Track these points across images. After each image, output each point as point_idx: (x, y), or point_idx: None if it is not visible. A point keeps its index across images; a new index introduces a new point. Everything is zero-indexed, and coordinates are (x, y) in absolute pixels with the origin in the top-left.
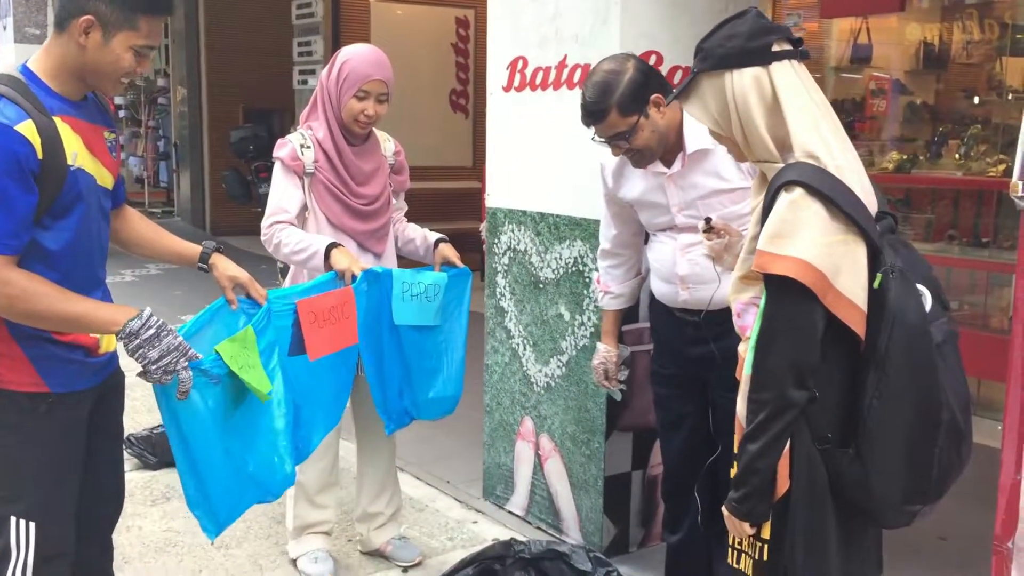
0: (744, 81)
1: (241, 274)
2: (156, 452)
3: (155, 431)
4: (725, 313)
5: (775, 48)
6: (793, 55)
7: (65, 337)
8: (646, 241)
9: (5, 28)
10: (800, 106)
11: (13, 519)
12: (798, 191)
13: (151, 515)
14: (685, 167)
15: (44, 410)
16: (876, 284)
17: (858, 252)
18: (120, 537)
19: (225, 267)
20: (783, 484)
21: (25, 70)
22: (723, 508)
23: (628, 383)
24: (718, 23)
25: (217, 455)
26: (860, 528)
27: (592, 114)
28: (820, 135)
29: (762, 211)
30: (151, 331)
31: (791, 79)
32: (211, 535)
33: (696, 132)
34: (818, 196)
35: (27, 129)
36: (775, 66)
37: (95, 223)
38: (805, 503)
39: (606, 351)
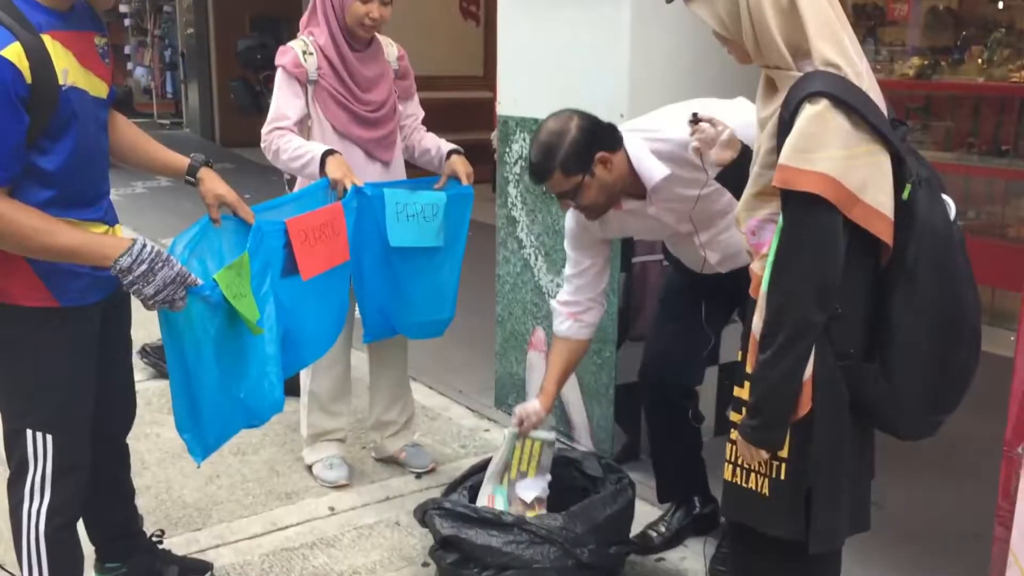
0: None
1: (228, 193)
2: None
3: None
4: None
5: None
6: None
7: None
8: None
9: None
10: (817, 10)
11: (29, 431)
12: (823, 103)
13: (168, 422)
14: (656, 195)
15: (56, 324)
16: (905, 195)
17: (883, 162)
18: (138, 444)
19: (213, 184)
20: (805, 405)
21: None
22: (735, 433)
23: (640, 293)
24: None
25: (212, 379)
26: (869, 440)
27: (536, 174)
28: (839, 40)
29: (779, 122)
30: (143, 266)
31: None
32: (198, 459)
33: (648, 167)
34: (843, 107)
35: (14, 53)
36: None
37: (92, 137)
38: (828, 422)
39: (531, 408)
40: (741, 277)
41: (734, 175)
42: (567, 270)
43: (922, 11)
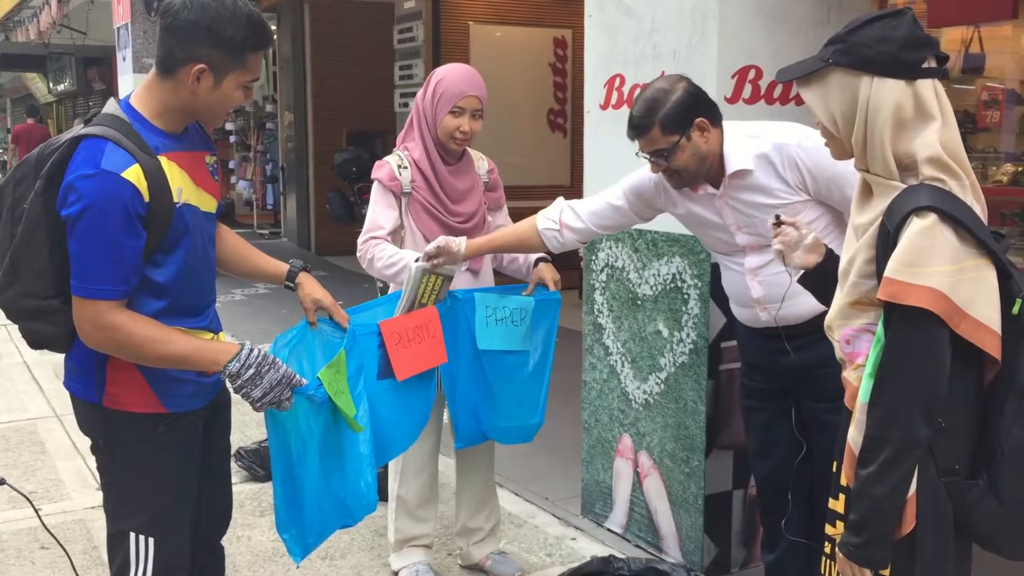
0: (883, 92)
1: (325, 297)
2: (264, 465)
3: (263, 444)
4: (807, 327)
5: (925, 64)
6: (938, 73)
7: None
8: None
9: (125, 59)
10: (935, 130)
11: (132, 534)
12: (932, 217)
13: (260, 525)
14: (730, 188)
15: (163, 430)
16: (1015, 310)
17: (989, 276)
18: (230, 547)
19: (311, 288)
20: (909, 523)
21: (128, 108)
22: (837, 551)
23: (728, 401)
24: (868, 16)
25: (315, 477)
26: (969, 558)
27: (636, 128)
28: (951, 154)
29: (880, 233)
30: (251, 370)
31: (933, 99)
32: (297, 559)
33: (736, 153)
34: (950, 222)
35: (133, 174)
36: (920, 83)
37: (201, 250)
38: (932, 540)
39: (450, 242)
40: (814, 375)
41: (818, 278)
42: (602, 193)
43: (1015, 116)
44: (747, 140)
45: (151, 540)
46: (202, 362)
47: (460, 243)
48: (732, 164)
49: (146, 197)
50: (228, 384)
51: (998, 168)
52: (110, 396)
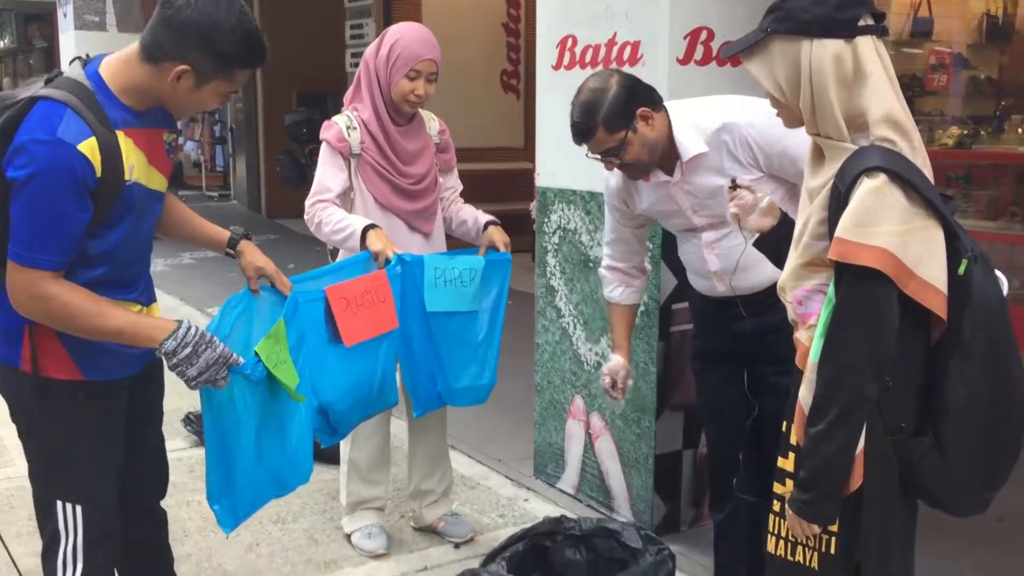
0: (824, 53)
1: (267, 264)
2: None
3: None
4: (762, 294)
5: (861, 22)
6: (876, 31)
7: None
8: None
9: (66, 16)
10: (880, 85)
11: (59, 503)
12: (881, 177)
13: None
14: (685, 173)
15: (82, 397)
16: (961, 271)
17: (938, 237)
18: (180, 512)
19: (252, 256)
20: (856, 480)
21: (95, 78)
22: (786, 508)
23: (679, 362)
24: None
25: (250, 450)
26: (915, 515)
27: (581, 133)
28: (897, 116)
29: (832, 194)
30: (188, 349)
31: (872, 55)
32: (227, 529)
33: (687, 138)
34: (899, 182)
35: (89, 148)
36: (859, 40)
37: (143, 229)
38: (879, 496)
39: (617, 363)
40: (767, 339)
41: (773, 242)
42: (606, 236)
43: (962, 80)
44: (696, 122)
45: (79, 508)
46: (137, 337)
47: (619, 361)
48: (687, 151)
49: (98, 172)
50: (165, 361)
51: (944, 131)
52: (26, 361)
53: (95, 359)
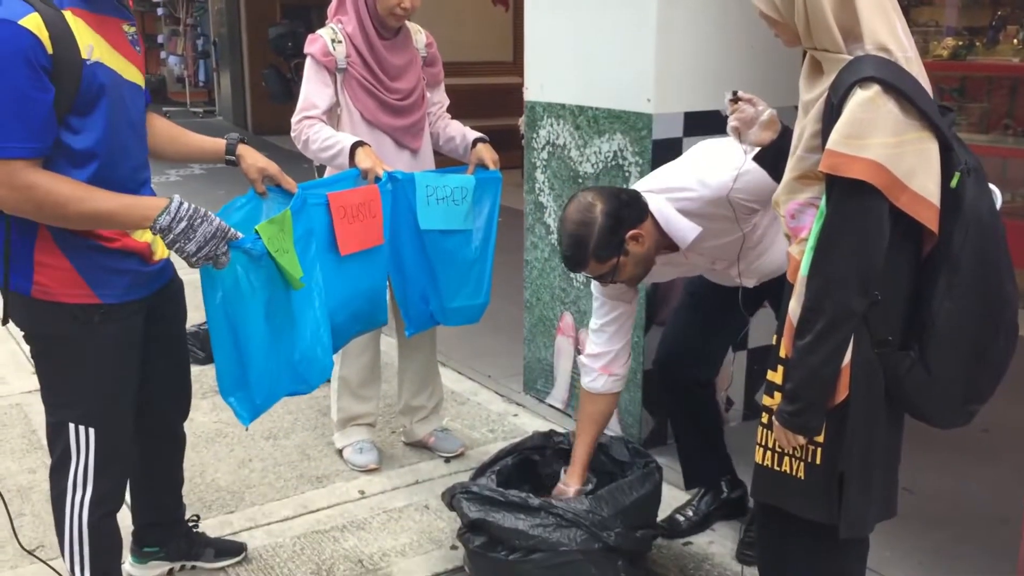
0: None
1: (270, 165)
2: (205, 347)
3: (203, 327)
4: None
5: None
6: None
7: (114, 244)
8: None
9: None
10: None
11: (71, 424)
12: (875, 88)
13: (202, 407)
14: (690, 251)
15: (97, 320)
16: (953, 184)
17: (932, 149)
18: None
19: (253, 158)
20: (842, 392)
21: None
22: (773, 419)
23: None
24: None
25: (261, 336)
26: (900, 427)
27: (573, 265)
28: (891, 25)
29: (826, 106)
30: (183, 223)
31: None
32: (245, 421)
33: (679, 228)
34: (893, 93)
35: (32, 23)
36: None
37: (127, 121)
38: (863, 408)
39: (565, 488)
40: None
41: (773, 156)
42: (595, 321)
43: None
44: (676, 205)
45: (91, 430)
46: (130, 218)
47: (572, 490)
48: (684, 240)
49: (48, 48)
50: (162, 239)
51: (939, 43)
52: (38, 286)
53: (109, 279)
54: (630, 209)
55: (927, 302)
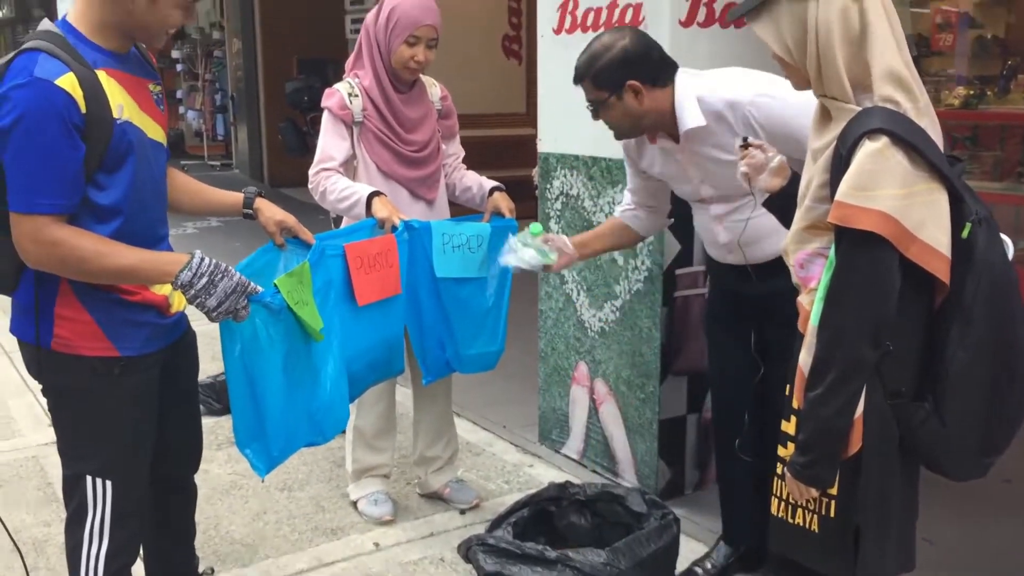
0: (831, 11)
1: (287, 217)
2: (221, 399)
3: (219, 378)
4: (774, 262)
5: None
6: None
7: (134, 298)
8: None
9: None
10: (886, 44)
11: (88, 477)
12: (883, 140)
13: (217, 459)
14: (689, 143)
15: (117, 373)
16: (965, 234)
17: (941, 200)
18: None
19: (271, 211)
20: (855, 444)
21: (64, 24)
22: (786, 471)
23: (683, 327)
24: None
25: (279, 388)
26: (916, 480)
27: (576, 75)
28: (902, 76)
29: (834, 157)
30: (204, 279)
31: (879, 12)
32: (262, 473)
33: (687, 110)
34: (902, 145)
35: (68, 82)
36: None
37: (149, 178)
38: (877, 460)
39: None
40: (776, 302)
41: (782, 202)
42: (628, 184)
43: (968, 40)
44: (703, 95)
45: (108, 482)
46: (152, 273)
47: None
48: (685, 123)
49: (82, 107)
50: (184, 294)
51: (950, 92)
52: (59, 339)
53: (129, 332)
54: (651, 67)
55: (940, 353)
